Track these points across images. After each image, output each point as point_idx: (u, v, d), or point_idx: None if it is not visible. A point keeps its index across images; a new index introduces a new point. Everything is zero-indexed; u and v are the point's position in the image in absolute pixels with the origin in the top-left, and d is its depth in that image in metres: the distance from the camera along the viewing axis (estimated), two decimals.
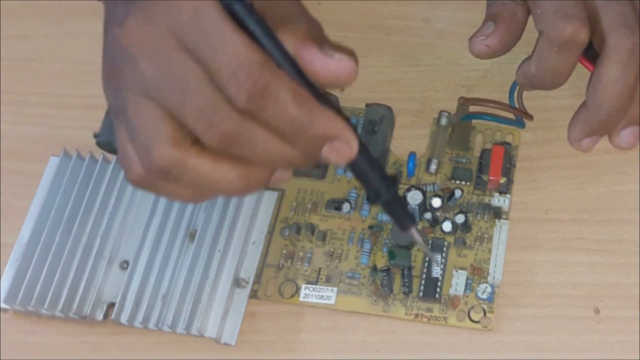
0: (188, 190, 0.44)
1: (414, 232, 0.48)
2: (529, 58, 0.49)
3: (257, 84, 0.39)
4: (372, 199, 0.45)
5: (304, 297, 0.54)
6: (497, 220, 0.55)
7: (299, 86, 0.41)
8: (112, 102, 0.44)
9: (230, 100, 0.40)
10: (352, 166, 0.44)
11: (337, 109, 0.42)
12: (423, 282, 0.53)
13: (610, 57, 0.47)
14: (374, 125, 0.57)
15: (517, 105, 0.55)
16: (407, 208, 0.48)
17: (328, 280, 0.55)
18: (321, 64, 0.41)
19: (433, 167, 0.57)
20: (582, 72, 0.50)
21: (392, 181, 0.45)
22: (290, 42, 0.41)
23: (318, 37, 0.42)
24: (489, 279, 0.53)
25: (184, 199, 0.45)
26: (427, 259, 0.54)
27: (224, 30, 0.40)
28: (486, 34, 0.50)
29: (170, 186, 0.44)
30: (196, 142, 0.42)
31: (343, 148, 0.42)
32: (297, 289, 0.55)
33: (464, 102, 0.57)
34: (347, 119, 0.42)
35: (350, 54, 0.41)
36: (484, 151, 0.56)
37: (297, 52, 0.41)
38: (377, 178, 0.45)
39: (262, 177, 0.43)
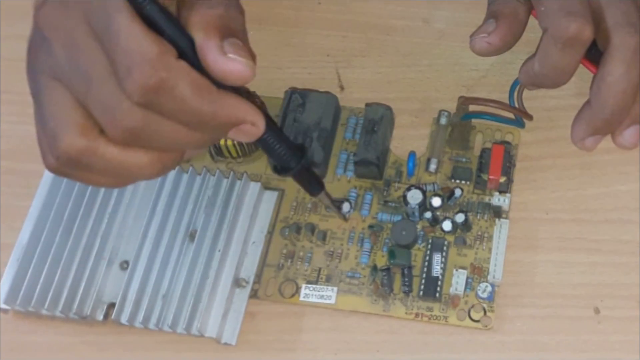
0: (103, 178, 0.44)
1: (323, 197, 0.50)
2: (532, 56, 0.49)
3: (150, 81, 0.39)
4: (280, 171, 0.47)
5: (304, 297, 0.54)
6: (497, 220, 0.55)
7: (200, 77, 0.40)
8: (30, 85, 0.44)
9: (127, 94, 0.39)
10: (261, 142, 0.44)
11: (242, 91, 0.42)
12: (423, 281, 0.53)
13: (614, 55, 0.47)
14: (374, 125, 0.57)
15: (517, 105, 0.55)
16: (315, 175, 0.49)
17: (328, 280, 0.55)
18: (212, 59, 0.40)
19: (433, 167, 0.57)
20: (582, 72, 0.50)
21: (301, 152, 0.46)
22: (195, 25, 0.40)
23: (228, 26, 0.41)
24: (489, 278, 0.53)
25: (103, 185, 0.45)
26: (427, 258, 0.54)
27: (123, 21, 0.39)
28: (487, 32, 0.50)
29: (84, 174, 0.43)
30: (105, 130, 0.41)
31: (249, 129, 0.42)
32: (297, 289, 0.55)
33: (464, 101, 0.57)
34: (251, 99, 0.42)
35: (249, 56, 0.41)
36: (483, 150, 0.56)
37: (195, 39, 0.40)
38: (285, 151, 0.45)
39: (175, 159, 0.44)
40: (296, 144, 0.47)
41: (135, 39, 0.39)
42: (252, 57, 0.41)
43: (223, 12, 0.41)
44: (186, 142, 0.42)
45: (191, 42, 0.40)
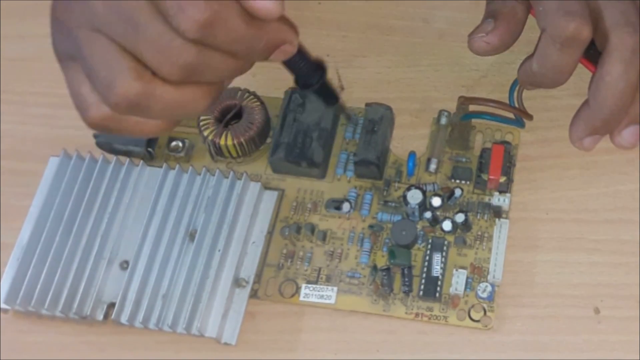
0: (153, 122, 0.44)
1: (338, 107, 0.51)
2: (531, 56, 0.49)
3: (205, 14, 0.40)
4: (302, 86, 0.48)
5: (304, 297, 0.54)
6: (497, 220, 0.55)
7: (243, 7, 0.41)
8: (62, 45, 0.44)
9: (180, 32, 0.40)
10: (288, 61, 0.46)
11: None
12: (423, 281, 0.53)
13: (612, 55, 0.47)
14: (374, 125, 0.57)
15: (517, 105, 0.55)
16: (332, 89, 0.50)
17: (328, 280, 0.55)
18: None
19: (433, 167, 0.57)
20: (582, 72, 0.50)
21: (322, 69, 0.48)
22: None
23: None
24: (489, 278, 0.53)
25: (150, 132, 0.45)
26: (427, 258, 0.54)
27: None
28: (486, 31, 0.50)
29: (135, 120, 0.44)
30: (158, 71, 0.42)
31: (288, 48, 0.44)
32: (297, 289, 0.55)
33: (464, 101, 0.57)
34: (286, 19, 0.44)
35: None
36: (483, 150, 0.56)
37: None
38: (308, 68, 0.47)
39: (221, 88, 0.45)
40: (317, 61, 0.48)
41: None
42: None
43: None
44: (233, 71, 0.43)
45: None
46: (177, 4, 0.40)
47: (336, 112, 0.54)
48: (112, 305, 0.54)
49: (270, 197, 0.57)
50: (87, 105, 0.43)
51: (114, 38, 0.41)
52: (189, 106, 0.43)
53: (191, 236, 0.55)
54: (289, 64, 0.47)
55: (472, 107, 0.57)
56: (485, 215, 0.55)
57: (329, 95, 0.50)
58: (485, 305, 0.53)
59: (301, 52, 0.46)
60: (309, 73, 0.48)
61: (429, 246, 0.54)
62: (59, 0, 0.44)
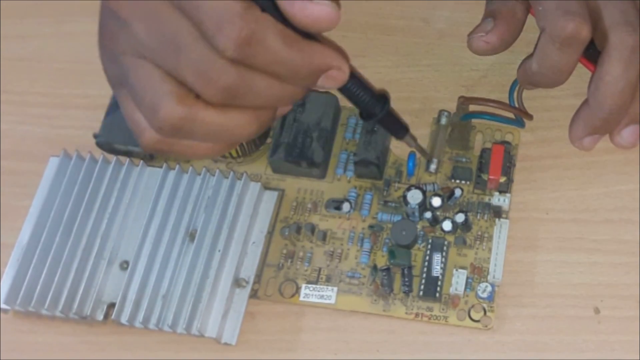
0: (205, 145, 0.45)
1: (408, 139, 0.50)
2: (530, 56, 0.49)
3: (242, 33, 0.40)
4: (366, 118, 0.48)
5: (304, 297, 0.54)
6: (497, 220, 0.55)
7: (285, 27, 0.41)
8: (112, 71, 0.45)
9: (220, 52, 0.40)
10: (345, 90, 0.46)
11: (324, 40, 0.43)
12: (423, 281, 0.53)
13: (612, 54, 0.47)
14: (374, 125, 0.57)
15: (517, 105, 0.55)
16: (399, 119, 0.50)
17: (328, 280, 0.55)
18: (299, 8, 0.41)
19: (433, 167, 0.57)
20: (582, 72, 0.50)
21: (384, 99, 0.48)
22: None
23: None
24: (489, 278, 0.53)
25: (205, 154, 0.45)
26: (427, 258, 0.54)
27: None
28: (485, 31, 0.50)
29: (186, 144, 0.44)
30: (201, 95, 0.42)
31: (337, 75, 0.43)
32: (297, 289, 0.55)
33: (464, 101, 0.57)
34: (334, 45, 0.43)
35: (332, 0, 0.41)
36: (483, 150, 0.56)
37: None
38: (369, 98, 0.47)
39: (270, 114, 0.45)
40: (379, 91, 0.48)
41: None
42: (337, 1, 0.42)
43: None
44: (280, 96, 0.43)
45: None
46: (216, 23, 0.40)
47: (407, 144, 0.52)
48: (112, 306, 0.54)
49: (270, 197, 0.57)
50: (140, 130, 0.44)
51: (157, 63, 0.42)
52: (235, 130, 0.43)
53: (191, 236, 0.55)
54: (345, 92, 0.46)
55: (472, 107, 0.57)
56: (485, 216, 0.55)
57: (396, 127, 0.50)
58: (485, 306, 0.53)
59: (358, 81, 0.46)
60: (370, 103, 0.47)
61: (429, 246, 0.54)
62: (105, 28, 0.44)
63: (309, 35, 0.42)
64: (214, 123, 0.43)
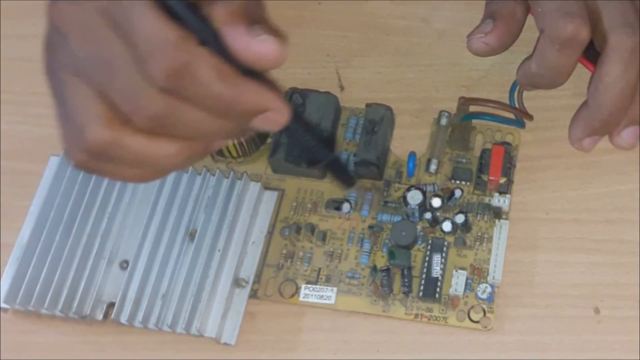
0: (131, 170, 0.43)
1: (356, 190, 0.50)
2: (529, 57, 0.49)
3: (174, 63, 0.39)
4: (310, 163, 0.46)
5: (303, 297, 0.54)
6: (497, 220, 0.55)
7: (223, 62, 0.40)
8: (51, 84, 0.44)
9: (151, 80, 0.39)
10: (287, 132, 0.44)
11: (265, 79, 0.41)
12: (423, 282, 0.53)
13: (611, 56, 0.47)
14: (374, 125, 0.57)
15: (517, 105, 0.55)
16: (346, 169, 0.49)
17: (328, 280, 0.55)
18: (243, 44, 0.40)
19: (433, 167, 0.57)
20: (582, 72, 0.49)
21: (331, 144, 0.46)
22: (219, 17, 0.40)
23: (251, 14, 0.41)
24: (489, 278, 0.53)
25: (131, 179, 0.45)
26: (427, 259, 0.54)
27: (143, 8, 0.39)
28: (484, 32, 0.49)
29: (112, 167, 0.43)
30: (130, 120, 0.41)
31: (274, 117, 0.42)
32: (297, 289, 0.55)
33: (464, 102, 0.57)
34: (276, 88, 0.42)
35: (279, 36, 0.40)
36: (484, 151, 0.56)
37: (222, 28, 0.40)
38: (314, 142, 0.45)
39: (200, 149, 0.43)
40: (327, 136, 0.46)
41: (155, 25, 0.39)
42: (283, 37, 0.41)
43: (244, 2, 0.41)
44: (211, 131, 0.42)
45: (212, 32, 0.40)
46: (149, 50, 0.39)
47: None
48: (111, 305, 0.54)
49: (270, 197, 0.57)
50: (68, 146, 0.43)
51: (91, 83, 0.41)
52: (162, 159, 0.42)
53: (191, 236, 0.55)
54: (289, 135, 0.45)
55: (473, 108, 0.57)
56: (485, 216, 0.55)
57: (343, 176, 0.49)
58: (484, 306, 0.53)
59: (304, 125, 0.45)
60: (316, 148, 0.46)
61: (429, 247, 0.54)
62: (47, 40, 0.43)
63: (252, 72, 0.41)
64: (140, 150, 0.42)
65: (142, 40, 0.39)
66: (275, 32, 0.40)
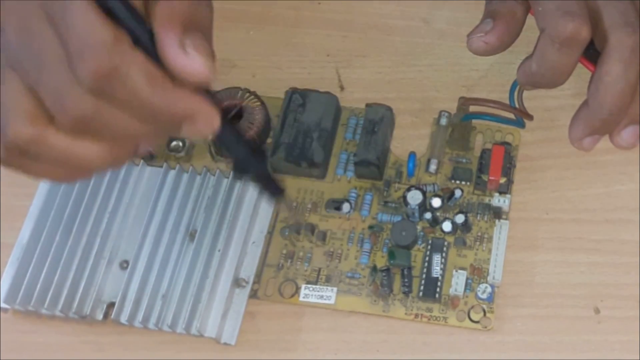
0: (54, 169, 0.43)
1: (284, 204, 0.49)
2: (530, 56, 0.49)
3: (102, 65, 0.38)
4: (238, 173, 0.45)
5: (303, 297, 0.54)
6: (497, 220, 0.55)
7: (154, 67, 0.39)
8: None
9: (79, 80, 0.38)
10: (218, 140, 0.43)
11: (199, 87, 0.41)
12: (423, 282, 0.53)
13: (612, 55, 0.47)
14: (374, 125, 0.57)
15: (517, 105, 0.55)
16: (275, 179, 0.48)
17: (328, 280, 0.55)
18: (171, 54, 0.39)
19: (433, 167, 0.57)
20: (582, 72, 0.49)
21: (261, 155, 0.45)
22: (158, 16, 0.39)
23: (191, 21, 0.40)
24: (489, 279, 0.53)
25: (54, 178, 0.44)
26: (427, 259, 0.54)
27: (79, 5, 0.38)
28: (484, 31, 0.49)
29: (34, 165, 0.42)
30: (55, 118, 0.40)
31: (202, 125, 0.41)
32: (297, 289, 0.55)
33: (464, 102, 0.57)
34: (207, 94, 0.41)
35: (208, 55, 0.40)
36: (484, 151, 0.56)
37: (157, 32, 0.39)
38: (244, 152, 0.44)
39: (126, 152, 0.43)
40: (258, 147, 0.46)
41: (89, 24, 0.38)
42: (212, 56, 0.40)
43: (189, 6, 0.40)
44: (137, 134, 0.41)
45: (150, 33, 0.39)
46: (79, 48, 0.38)
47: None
48: (111, 305, 0.54)
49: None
50: None
51: (22, 77, 0.40)
52: (85, 160, 0.41)
53: (191, 236, 0.55)
54: (219, 143, 0.44)
55: (473, 108, 0.57)
56: (485, 216, 0.55)
57: (271, 187, 0.47)
58: (484, 307, 0.53)
59: (234, 134, 0.44)
60: (246, 158, 0.45)
61: (429, 247, 0.54)
62: None
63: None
64: (62, 149, 0.41)
65: (74, 38, 0.38)
66: (207, 49, 0.40)
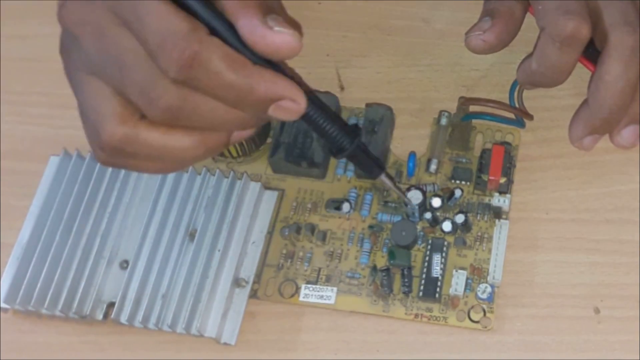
0: (151, 164, 0.44)
1: (383, 179, 0.49)
2: (530, 55, 0.49)
3: (185, 54, 0.39)
4: (334, 153, 0.45)
5: (303, 297, 0.54)
6: (497, 220, 0.55)
7: (234, 52, 0.40)
8: (71, 86, 0.44)
9: (164, 72, 0.40)
10: (307, 121, 0.44)
11: (279, 67, 0.42)
12: (423, 282, 0.53)
13: (612, 54, 0.47)
14: (374, 125, 0.57)
15: (517, 105, 0.55)
16: (373, 155, 0.48)
17: (328, 280, 0.55)
18: (260, 35, 0.40)
19: (433, 167, 0.57)
20: (582, 71, 0.50)
21: (355, 131, 0.45)
22: (232, 8, 0.40)
23: (264, 5, 0.41)
24: (489, 278, 0.53)
25: (154, 171, 0.45)
26: (427, 258, 0.54)
27: (152, 3, 0.39)
28: (483, 29, 0.50)
29: (131, 161, 0.44)
30: (145, 115, 0.42)
31: (289, 106, 0.42)
32: (297, 289, 0.55)
33: (464, 102, 0.57)
34: (291, 76, 0.42)
35: (295, 28, 0.41)
36: (484, 151, 0.56)
37: (236, 19, 0.40)
38: (337, 131, 0.44)
39: (219, 140, 0.44)
40: (350, 124, 0.46)
41: (166, 18, 0.39)
42: (299, 28, 0.41)
43: None
44: (226, 121, 0.42)
45: (224, 22, 0.40)
46: (159, 43, 0.39)
47: (383, 184, 0.51)
48: (111, 305, 0.54)
49: (270, 197, 0.57)
50: (90, 146, 0.44)
51: (105, 80, 0.42)
52: (179, 152, 0.43)
53: (191, 236, 0.55)
54: (310, 124, 0.44)
55: (473, 108, 0.57)
56: (485, 216, 0.55)
57: (369, 165, 0.48)
58: (484, 306, 0.53)
59: (324, 112, 0.44)
60: (339, 137, 0.45)
61: (429, 247, 0.54)
62: (62, 44, 0.44)
63: (266, 61, 0.41)
64: (156, 144, 0.42)
65: (152, 34, 0.39)
66: (291, 23, 0.41)
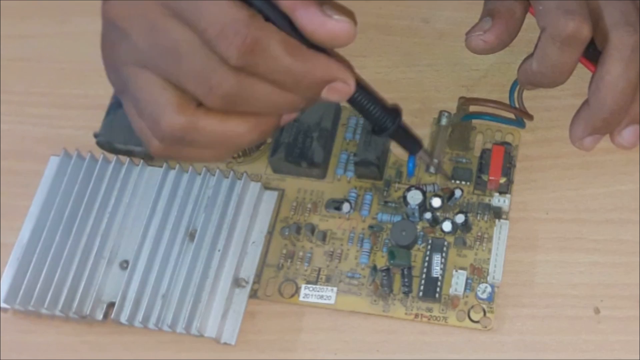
0: (209, 151, 0.45)
1: (422, 155, 0.51)
2: (530, 56, 0.49)
3: (246, 40, 0.40)
4: (377, 132, 0.48)
5: (303, 297, 0.54)
6: (497, 220, 0.55)
7: (289, 37, 0.41)
8: (115, 81, 0.45)
9: (223, 59, 0.41)
10: (353, 102, 0.46)
11: (329, 52, 0.43)
12: (423, 282, 0.53)
13: (612, 54, 0.47)
14: None
15: (517, 105, 0.55)
16: (412, 133, 0.50)
17: (328, 280, 0.55)
18: (319, 24, 0.41)
19: (433, 167, 0.56)
20: (582, 72, 0.50)
21: (396, 112, 0.47)
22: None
23: None
24: (489, 278, 0.53)
25: (207, 159, 0.46)
26: (427, 258, 0.54)
27: None
28: (483, 30, 0.50)
29: (190, 150, 0.45)
30: (201, 103, 0.43)
31: (341, 87, 0.44)
32: (297, 289, 0.55)
33: (464, 102, 0.57)
34: (341, 59, 0.43)
35: (350, 15, 0.42)
36: (484, 151, 0.56)
37: (294, 9, 0.41)
38: (379, 111, 0.47)
39: (272, 123, 0.45)
40: (391, 105, 0.47)
41: (223, 7, 0.40)
42: (352, 16, 0.42)
43: None
44: (281, 105, 0.43)
45: (277, 10, 0.41)
46: (219, 31, 0.40)
47: (421, 159, 0.52)
48: (111, 305, 0.54)
49: (270, 197, 0.57)
50: (146, 138, 0.45)
51: (157, 72, 0.42)
52: (236, 137, 0.44)
53: (191, 236, 0.55)
54: (355, 105, 0.46)
55: (473, 108, 0.57)
56: (485, 216, 0.55)
57: (409, 142, 0.50)
58: (484, 306, 0.53)
59: (368, 94, 0.46)
60: (381, 117, 0.47)
61: (429, 247, 0.54)
62: (105, 39, 0.45)
63: (315, 46, 0.42)
64: (215, 131, 0.43)
65: (211, 23, 0.40)
66: (345, 11, 0.42)
